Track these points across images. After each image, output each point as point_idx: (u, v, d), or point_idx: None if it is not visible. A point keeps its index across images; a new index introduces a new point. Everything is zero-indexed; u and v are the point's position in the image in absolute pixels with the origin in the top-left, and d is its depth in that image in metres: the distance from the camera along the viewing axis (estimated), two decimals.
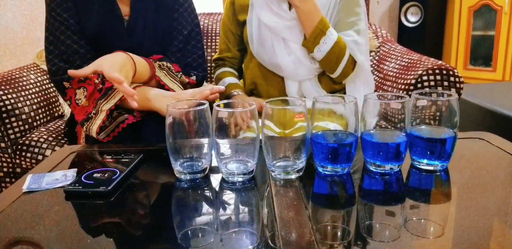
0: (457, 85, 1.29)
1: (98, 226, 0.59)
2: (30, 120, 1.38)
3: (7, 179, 1.36)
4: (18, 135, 1.33)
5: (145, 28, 1.09)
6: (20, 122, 1.34)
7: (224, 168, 0.70)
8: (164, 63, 1.05)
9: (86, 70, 0.91)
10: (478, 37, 3.27)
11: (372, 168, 0.71)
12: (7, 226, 0.58)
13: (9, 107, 1.30)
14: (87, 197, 0.66)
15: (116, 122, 0.98)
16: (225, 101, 0.71)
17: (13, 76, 1.42)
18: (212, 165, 0.75)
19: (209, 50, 1.91)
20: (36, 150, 1.27)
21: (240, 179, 0.69)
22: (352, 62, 1.19)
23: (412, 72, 1.34)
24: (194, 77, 1.13)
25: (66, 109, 1.57)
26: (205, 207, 0.64)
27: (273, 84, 1.26)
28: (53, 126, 1.42)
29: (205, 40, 1.91)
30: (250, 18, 1.24)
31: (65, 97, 1.03)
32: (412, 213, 0.60)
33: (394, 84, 1.42)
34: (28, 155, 1.27)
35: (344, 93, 1.28)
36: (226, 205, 0.64)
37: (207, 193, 0.68)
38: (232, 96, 1.26)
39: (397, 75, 1.43)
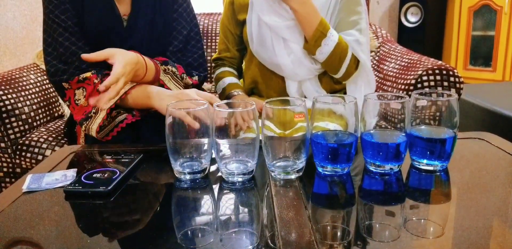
0: (457, 85, 1.29)
1: (98, 226, 0.59)
2: (30, 120, 1.38)
3: (7, 179, 1.36)
4: (18, 135, 1.33)
5: (144, 28, 1.09)
6: (20, 123, 1.34)
7: (224, 168, 0.70)
8: (169, 67, 1.05)
9: (99, 55, 0.92)
10: (478, 38, 3.27)
11: (372, 168, 0.71)
12: (7, 226, 0.58)
13: (9, 107, 1.30)
14: (87, 197, 0.66)
15: (115, 122, 0.98)
16: (225, 101, 0.71)
17: (13, 76, 1.42)
18: (212, 165, 0.75)
19: (209, 50, 1.91)
20: (36, 150, 1.27)
21: (240, 179, 0.69)
22: (355, 62, 1.18)
23: (412, 73, 1.34)
24: (196, 78, 1.13)
25: (66, 110, 1.57)
26: (205, 207, 0.64)
27: (274, 83, 1.26)
28: (53, 126, 1.42)
29: (205, 40, 1.91)
30: (250, 17, 1.23)
31: (64, 98, 1.03)
32: (412, 213, 0.60)
33: (394, 85, 1.42)
34: (28, 155, 1.27)
35: (345, 93, 1.28)
36: (226, 205, 0.64)
37: (207, 193, 0.68)
38: (232, 96, 1.26)
39: (397, 75, 1.43)
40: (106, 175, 0.71)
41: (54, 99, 1.53)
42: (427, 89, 1.28)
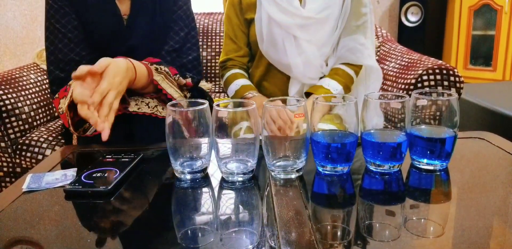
0: (457, 85, 1.28)
1: (98, 226, 0.59)
2: (30, 120, 1.38)
3: (7, 179, 1.36)
4: (18, 134, 1.33)
5: (144, 28, 1.09)
6: (20, 122, 1.34)
7: (224, 168, 0.70)
8: (162, 67, 1.04)
9: (100, 69, 0.84)
10: (478, 37, 3.27)
11: (372, 168, 0.71)
12: (7, 225, 0.58)
13: (9, 107, 1.30)
14: (87, 196, 0.66)
15: None
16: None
17: (13, 76, 1.42)
18: (212, 164, 0.75)
19: (209, 49, 1.91)
20: (36, 149, 1.27)
21: (240, 179, 0.69)
22: (359, 72, 1.23)
23: (412, 72, 1.34)
24: (189, 79, 1.13)
25: None
26: (205, 207, 0.64)
27: (277, 83, 1.26)
28: (53, 126, 1.42)
29: (205, 40, 1.91)
30: (259, 16, 1.21)
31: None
32: (412, 212, 0.59)
33: (394, 84, 1.42)
34: (28, 154, 1.28)
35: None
36: (226, 205, 0.64)
37: (207, 193, 0.68)
38: (248, 99, 1.20)
39: (397, 75, 1.43)
40: (106, 175, 0.71)
41: None
42: (427, 89, 1.27)
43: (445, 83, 1.28)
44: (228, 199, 0.66)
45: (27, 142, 1.29)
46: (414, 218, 0.57)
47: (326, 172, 0.71)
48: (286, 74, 1.24)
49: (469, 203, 0.61)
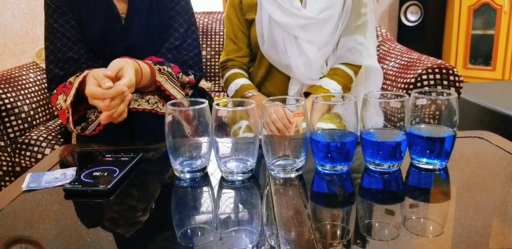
0: (457, 84, 1.29)
1: (98, 225, 0.59)
2: (29, 119, 1.37)
3: (7, 178, 1.36)
4: (18, 133, 1.33)
5: (141, 26, 1.09)
6: (20, 121, 1.34)
7: (224, 167, 0.70)
8: (165, 67, 1.04)
9: (114, 71, 0.86)
10: (478, 36, 3.27)
11: (371, 167, 0.71)
12: (7, 224, 0.58)
13: (9, 106, 1.30)
14: (86, 195, 0.66)
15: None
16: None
17: (13, 75, 1.42)
18: (211, 163, 0.75)
19: (208, 49, 1.91)
20: (36, 148, 1.27)
21: (240, 178, 0.69)
22: (358, 72, 1.22)
23: (412, 71, 1.34)
24: (192, 76, 1.13)
25: None
26: (205, 206, 0.64)
27: (278, 83, 1.26)
28: (52, 125, 1.42)
29: (204, 39, 1.91)
30: (260, 17, 1.21)
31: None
32: (411, 211, 0.60)
33: (394, 83, 1.42)
34: (28, 153, 1.27)
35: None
36: (226, 204, 0.64)
37: (207, 192, 0.68)
38: (248, 98, 1.20)
39: (397, 74, 1.43)
40: (105, 174, 0.71)
41: None
42: (426, 88, 1.27)
43: (445, 82, 1.28)
44: (228, 198, 0.66)
45: (26, 141, 1.29)
46: (413, 217, 0.57)
47: (326, 171, 0.71)
48: (286, 75, 1.23)
49: (468, 202, 0.61)
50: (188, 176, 0.71)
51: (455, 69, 1.29)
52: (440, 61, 1.33)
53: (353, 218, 0.59)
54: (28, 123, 1.37)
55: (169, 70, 1.04)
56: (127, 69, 0.87)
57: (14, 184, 0.71)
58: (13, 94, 1.33)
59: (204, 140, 0.70)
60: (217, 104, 0.67)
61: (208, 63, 1.91)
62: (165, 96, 1.05)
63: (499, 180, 0.68)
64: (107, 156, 0.79)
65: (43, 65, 1.56)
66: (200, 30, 1.91)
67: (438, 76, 1.28)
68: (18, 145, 1.29)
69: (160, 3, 1.12)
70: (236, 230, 0.56)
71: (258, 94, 1.21)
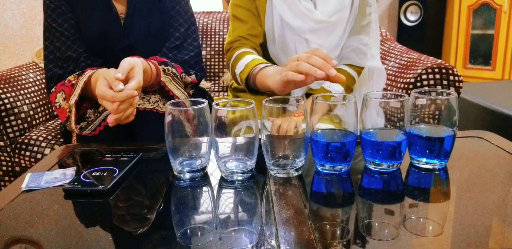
0: (457, 84, 1.29)
1: (97, 225, 0.58)
2: (29, 119, 1.37)
3: (6, 178, 1.36)
4: (17, 133, 1.33)
5: (141, 27, 1.09)
6: (19, 121, 1.34)
7: (224, 167, 0.70)
8: (169, 68, 1.04)
9: (126, 71, 0.84)
10: (478, 36, 3.27)
11: (371, 167, 0.71)
12: (6, 224, 0.58)
13: (8, 106, 1.30)
14: (86, 195, 0.66)
15: (103, 116, 0.98)
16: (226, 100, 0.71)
17: (12, 75, 1.42)
18: (211, 163, 0.75)
19: (208, 49, 1.91)
20: (35, 148, 1.27)
21: (240, 178, 0.69)
22: (361, 72, 1.22)
23: (412, 71, 1.34)
24: (193, 76, 1.13)
25: None
26: (204, 206, 0.64)
27: None
28: (52, 125, 1.42)
29: (204, 39, 1.91)
30: (270, 13, 1.15)
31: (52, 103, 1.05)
32: (411, 211, 0.60)
33: (394, 83, 1.42)
34: (27, 153, 1.27)
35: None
36: (225, 204, 0.64)
37: (206, 192, 0.68)
38: (263, 68, 0.98)
39: (397, 74, 1.43)
40: (105, 174, 0.71)
41: None
42: (426, 88, 1.28)
43: (444, 82, 1.28)
44: (228, 198, 0.66)
45: (26, 141, 1.29)
46: (413, 217, 0.57)
47: (326, 171, 0.71)
48: None
49: (468, 202, 0.61)
50: (187, 176, 0.71)
51: (454, 69, 1.29)
52: (439, 61, 1.34)
53: (352, 218, 0.58)
54: (27, 123, 1.37)
55: (174, 70, 1.05)
56: (137, 70, 0.86)
57: (14, 184, 0.71)
58: (13, 94, 1.33)
59: (204, 140, 0.70)
60: (217, 104, 0.67)
61: (208, 63, 1.91)
62: (168, 97, 1.05)
63: (499, 179, 0.68)
64: (106, 156, 0.79)
65: (42, 65, 1.56)
66: (200, 30, 1.91)
67: (437, 76, 1.29)
68: (18, 145, 1.29)
69: (160, 3, 1.12)
70: (236, 230, 0.56)
71: (274, 66, 1.00)
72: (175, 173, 0.72)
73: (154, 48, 1.11)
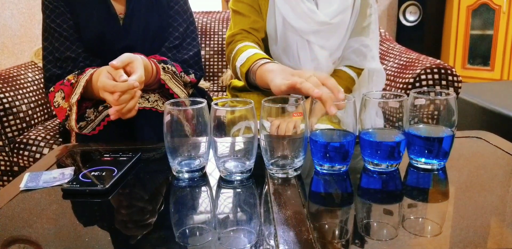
0: (455, 84, 1.29)
1: (96, 225, 0.58)
2: (27, 118, 1.37)
3: (5, 178, 1.36)
4: (16, 133, 1.33)
5: (141, 26, 1.09)
6: (18, 121, 1.33)
7: (222, 167, 0.70)
8: (169, 66, 1.04)
9: (123, 63, 0.85)
10: (477, 37, 3.28)
11: (370, 167, 0.71)
12: (5, 224, 0.58)
13: (7, 105, 1.30)
14: (84, 195, 0.66)
15: (102, 115, 0.98)
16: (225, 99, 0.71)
17: (11, 75, 1.41)
18: (210, 163, 0.75)
19: (207, 48, 1.91)
20: (34, 148, 1.27)
21: (238, 178, 0.69)
22: (361, 74, 1.22)
23: (411, 71, 1.34)
24: (192, 76, 1.13)
25: None
26: (203, 206, 0.64)
27: None
28: (50, 124, 1.42)
29: (203, 39, 1.91)
30: (272, 13, 1.14)
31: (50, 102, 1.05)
32: (409, 211, 0.60)
33: (393, 83, 1.42)
34: (26, 153, 1.27)
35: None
36: (224, 204, 0.64)
37: (205, 192, 0.68)
38: (262, 65, 0.92)
39: (396, 74, 1.43)
40: (103, 173, 0.71)
41: None
42: (425, 88, 1.28)
43: (443, 82, 1.29)
44: (226, 198, 0.66)
45: (24, 140, 1.29)
46: (411, 217, 0.58)
47: (324, 171, 0.71)
48: None
49: (466, 202, 0.61)
50: (186, 175, 0.71)
51: (453, 69, 1.29)
52: (438, 61, 1.34)
53: (351, 217, 0.58)
54: (26, 123, 1.36)
55: (173, 69, 1.05)
56: (137, 65, 0.85)
57: (12, 183, 0.71)
58: (11, 93, 1.33)
59: (202, 140, 0.70)
60: (216, 104, 0.67)
61: (207, 63, 1.91)
62: (167, 95, 1.05)
63: (498, 180, 0.68)
64: (105, 155, 0.79)
65: (41, 64, 1.56)
66: (199, 30, 1.91)
67: (436, 76, 1.29)
68: (16, 145, 1.29)
69: (159, 3, 1.12)
70: (235, 230, 0.56)
71: (277, 63, 0.93)
72: (174, 173, 0.72)
73: (153, 48, 1.11)
